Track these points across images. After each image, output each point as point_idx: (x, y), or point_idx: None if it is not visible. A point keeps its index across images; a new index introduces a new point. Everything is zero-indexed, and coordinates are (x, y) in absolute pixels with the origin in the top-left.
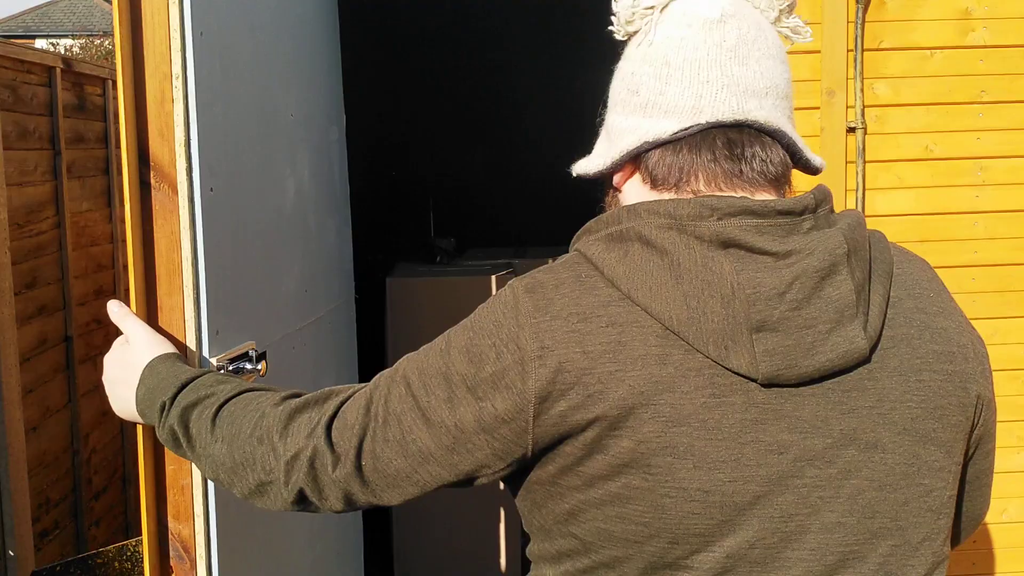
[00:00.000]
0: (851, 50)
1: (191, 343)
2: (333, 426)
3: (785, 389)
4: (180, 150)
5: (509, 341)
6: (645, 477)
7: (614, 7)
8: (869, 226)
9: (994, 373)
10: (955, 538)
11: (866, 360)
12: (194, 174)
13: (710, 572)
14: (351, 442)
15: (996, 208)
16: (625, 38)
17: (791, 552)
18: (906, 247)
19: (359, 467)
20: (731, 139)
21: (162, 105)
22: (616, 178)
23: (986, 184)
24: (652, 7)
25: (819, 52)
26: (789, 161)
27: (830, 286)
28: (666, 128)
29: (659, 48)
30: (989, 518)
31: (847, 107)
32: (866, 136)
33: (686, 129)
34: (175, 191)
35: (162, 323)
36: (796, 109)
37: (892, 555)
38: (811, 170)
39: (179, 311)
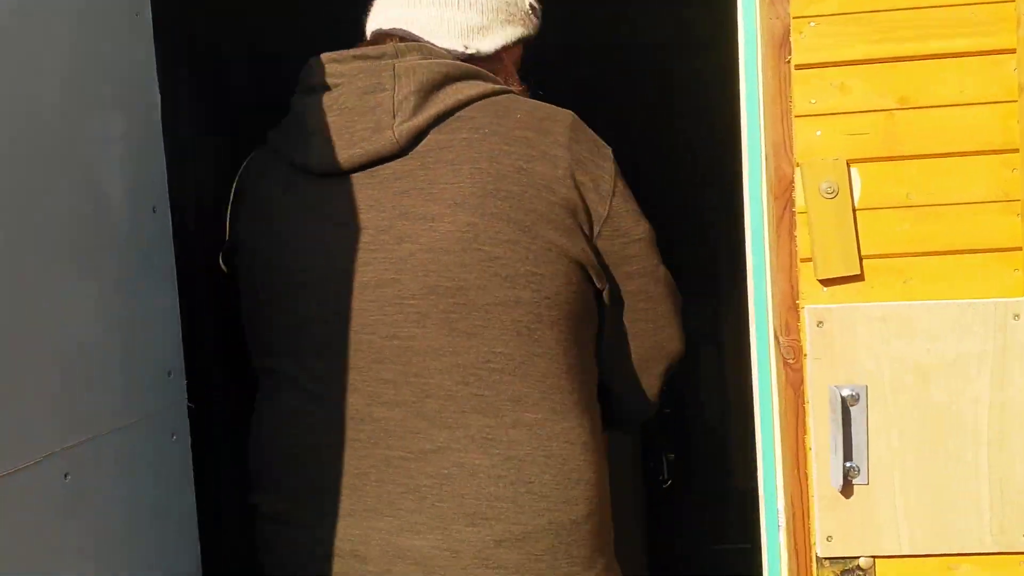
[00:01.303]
0: None
1: None
2: None
3: (347, 177)
4: None
5: None
6: (252, 254)
7: None
8: None
9: None
10: (637, 360)
11: (403, 153)
12: None
13: (320, 330)
14: None
15: None
16: None
17: (359, 305)
18: None
19: None
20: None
21: None
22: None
23: None
24: None
25: None
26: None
27: (373, 98)
28: None
29: None
30: None
31: None
32: None
33: None
34: None
35: None
36: (962, 54)
37: (454, 312)
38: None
39: None
